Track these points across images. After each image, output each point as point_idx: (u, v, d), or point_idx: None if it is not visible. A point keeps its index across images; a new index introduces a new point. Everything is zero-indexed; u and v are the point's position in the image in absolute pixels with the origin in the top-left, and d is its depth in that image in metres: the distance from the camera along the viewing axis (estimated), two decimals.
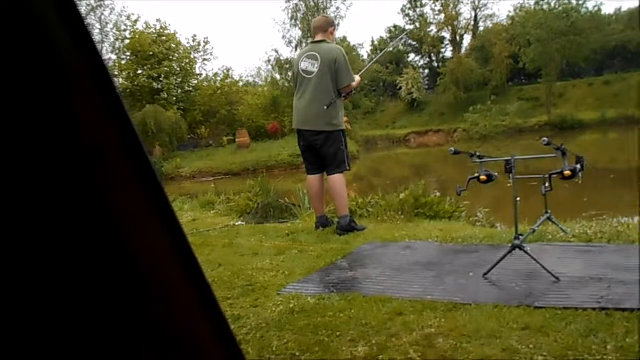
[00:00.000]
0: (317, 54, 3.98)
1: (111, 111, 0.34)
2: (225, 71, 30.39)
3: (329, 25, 4.18)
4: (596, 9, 26.97)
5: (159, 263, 0.38)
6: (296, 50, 26.67)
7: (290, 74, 28.72)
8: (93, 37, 0.34)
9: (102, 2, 26.57)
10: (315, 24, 4.27)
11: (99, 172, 0.34)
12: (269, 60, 29.59)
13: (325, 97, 3.92)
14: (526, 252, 2.49)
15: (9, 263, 0.30)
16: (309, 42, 4.90)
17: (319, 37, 4.11)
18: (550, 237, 3.24)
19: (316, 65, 3.95)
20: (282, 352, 1.88)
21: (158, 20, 38.70)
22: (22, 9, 0.30)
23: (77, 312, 0.33)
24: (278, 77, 28.45)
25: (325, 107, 3.89)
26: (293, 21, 27.50)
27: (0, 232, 0.29)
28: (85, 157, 0.33)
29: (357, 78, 4.17)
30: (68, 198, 0.32)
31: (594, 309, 1.98)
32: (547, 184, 2.99)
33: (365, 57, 37.31)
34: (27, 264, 0.30)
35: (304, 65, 4.02)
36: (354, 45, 34.18)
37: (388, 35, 39.21)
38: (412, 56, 38.87)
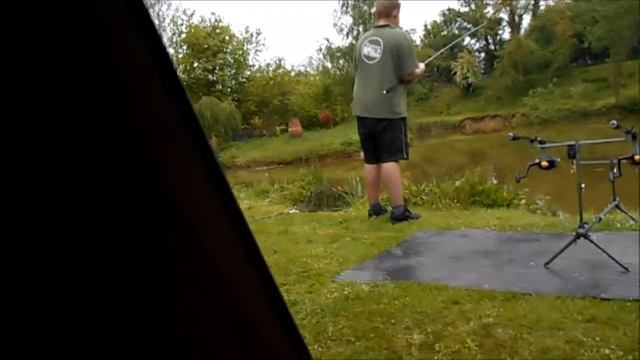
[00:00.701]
0: (379, 39, 3.85)
1: (176, 104, 0.35)
2: (277, 61, 30.84)
3: (393, 8, 3.96)
4: None
5: (224, 248, 0.40)
6: (347, 37, 26.48)
7: (341, 61, 28.40)
8: (158, 32, 0.35)
9: None
10: (378, 7, 4.06)
11: (164, 163, 0.35)
12: (320, 49, 29.63)
13: (387, 84, 3.80)
14: (591, 241, 2.37)
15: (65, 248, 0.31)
16: (370, 26, 4.71)
17: (381, 22, 3.95)
18: (618, 225, 3.07)
19: (379, 51, 3.83)
20: (337, 338, 1.91)
21: (212, 14, 39.63)
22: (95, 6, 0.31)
23: (152, 304, 0.35)
24: (329, 65, 28.44)
25: (385, 92, 3.77)
26: (344, 9, 27.28)
27: (72, 213, 0.31)
28: (152, 148, 0.34)
29: (422, 66, 4.02)
30: (134, 189, 0.33)
31: None
32: (615, 170, 2.82)
33: (418, 42, 36.51)
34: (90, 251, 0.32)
35: (366, 50, 3.91)
36: (407, 30, 33.44)
37: (442, 19, 38.10)
38: (467, 39, 37.56)
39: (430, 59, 5.19)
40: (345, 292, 2.40)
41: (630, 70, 25.88)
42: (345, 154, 17.58)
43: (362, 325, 1.98)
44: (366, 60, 3.92)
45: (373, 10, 4.25)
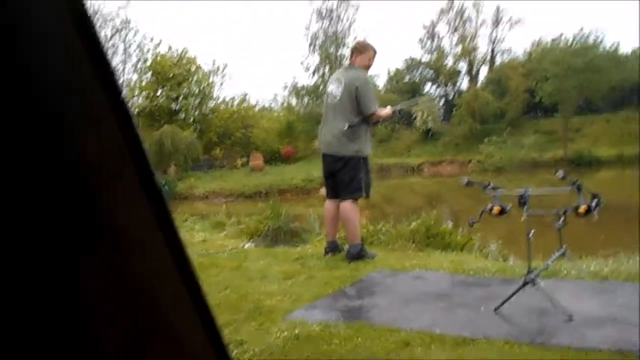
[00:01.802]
0: (342, 78, 3.98)
1: (119, 123, 0.34)
2: (242, 95, 30.95)
3: (358, 52, 4.07)
4: (613, 47, 27.01)
5: (159, 274, 0.38)
6: (313, 76, 27.03)
7: (306, 99, 28.90)
8: (105, 50, 0.34)
9: (126, 25, 27.39)
10: (354, 44, 4.23)
11: (106, 188, 0.34)
12: (286, 86, 30.09)
13: (345, 122, 3.87)
14: (539, 288, 2.43)
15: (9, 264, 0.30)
16: (335, 68, 4.86)
17: (351, 61, 4.09)
18: (564, 273, 3.17)
19: (339, 89, 3.95)
20: None
21: (180, 44, 39.63)
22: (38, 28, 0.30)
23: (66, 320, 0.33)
24: (294, 102, 28.81)
25: (345, 128, 3.84)
26: (311, 48, 27.98)
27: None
28: (93, 172, 0.33)
29: (389, 109, 4.14)
30: (68, 208, 0.32)
31: (609, 350, 1.92)
32: (562, 219, 2.93)
33: (381, 87, 37.66)
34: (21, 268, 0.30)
35: (331, 88, 4.04)
36: (370, 75, 34.55)
37: (404, 66, 39.60)
38: (428, 86, 39.10)
39: (398, 107, 5.16)
40: (296, 332, 2.34)
41: (577, 125, 27.55)
42: (306, 190, 17.61)
43: None
44: (330, 98, 4.03)
45: (340, 52, 4.42)
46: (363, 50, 4.08)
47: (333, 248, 4.13)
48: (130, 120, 0.35)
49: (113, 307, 0.35)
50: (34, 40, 0.30)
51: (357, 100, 3.87)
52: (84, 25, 0.32)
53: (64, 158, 0.31)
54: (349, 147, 3.90)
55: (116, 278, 0.35)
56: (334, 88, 4.00)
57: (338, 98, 3.93)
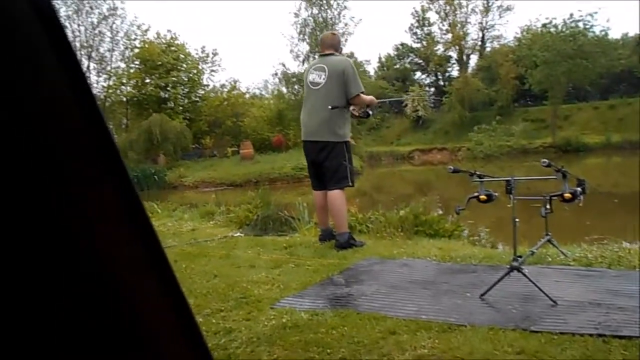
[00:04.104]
0: (324, 66, 4.01)
1: (85, 112, 0.34)
2: (232, 83, 30.67)
3: (337, 42, 4.24)
4: (603, 33, 27.09)
5: (131, 269, 0.37)
6: (303, 64, 26.83)
7: (297, 87, 28.80)
8: (71, 41, 0.34)
9: (114, 11, 26.91)
10: (323, 39, 4.32)
11: (76, 187, 0.33)
12: (276, 74, 29.82)
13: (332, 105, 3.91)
14: (524, 275, 2.45)
15: None
16: (317, 55, 4.91)
17: (326, 51, 4.13)
18: (549, 259, 3.20)
19: (323, 77, 3.97)
20: None
21: (169, 31, 39.12)
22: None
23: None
24: (284, 90, 28.61)
25: (330, 107, 3.88)
26: (301, 36, 27.73)
27: None
28: (58, 158, 0.32)
29: (372, 97, 4.19)
30: (38, 200, 0.31)
31: (591, 335, 1.95)
32: (547, 206, 2.96)
33: (372, 73, 37.53)
34: None
35: (312, 77, 4.05)
36: (361, 62, 34.39)
37: (395, 53, 39.47)
38: (418, 74, 39.03)
39: (384, 100, 5.38)
40: (284, 320, 2.35)
41: (565, 113, 27.73)
42: (296, 178, 17.57)
43: (298, 355, 1.93)
44: (312, 87, 4.04)
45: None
46: (337, 41, 4.25)
47: (327, 235, 4.15)
48: (98, 113, 0.34)
49: (85, 308, 0.34)
50: None
51: (344, 83, 3.91)
52: (51, 23, 0.32)
53: (29, 153, 0.31)
54: (333, 130, 3.93)
55: (89, 279, 0.34)
56: (315, 76, 4.02)
57: (322, 85, 3.96)
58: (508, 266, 2.52)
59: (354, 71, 4.01)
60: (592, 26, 26.39)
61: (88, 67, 26.44)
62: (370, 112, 4.27)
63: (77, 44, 25.71)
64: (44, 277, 0.32)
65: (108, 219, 0.35)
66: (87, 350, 0.34)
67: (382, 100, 4.65)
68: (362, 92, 4.00)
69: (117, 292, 0.36)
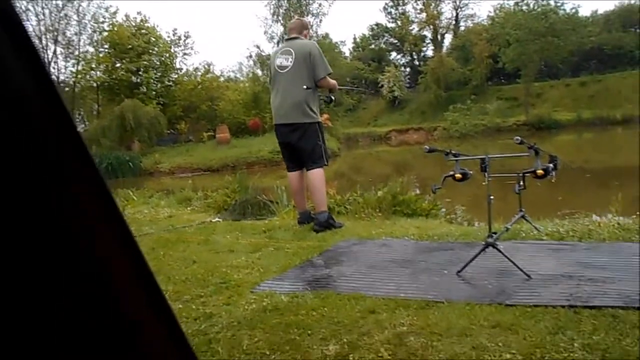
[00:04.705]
0: (291, 49, 4.04)
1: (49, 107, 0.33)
2: (206, 66, 30.14)
3: (303, 28, 4.27)
4: (573, 10, 27.48)
5: (103, 258, 0.37)
6: (278, 45, 26.50)
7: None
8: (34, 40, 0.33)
9: None
10: (290, 25, 4.38)
11: (51, 185, 0.33)
12: (250, 56, 29.43)
13: (300, 90, 3.95)
14: (499, 250, 2.51)
15: None
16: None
17: (293, 35, 4.18)
18: (523, 235, 3.28)
19: (290, 60, 4.00)
20: (252, 351, 1.86)
21: (138, 13, 38.10)
22: None
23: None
24: (259, 72, 28.29)
25: (305, 87, 3.92)
26: (275, 17, 27.36)
27: None
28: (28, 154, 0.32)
29: (335, 82, 4.24)
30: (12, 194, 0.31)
31: (563, 306, 2.01)
32: (520, 183, 3.02)
33: (347, 54, 37.35)
34: None
35: (279, 61, 4.07)
36: (336, 42, 34.20)
37: (370, 33, 39.31)
38: (393, 54, 39.03)
39: (347, 88, 5.53)
40: (264, 304, 2.36)
41: (538, 90, 28.19)
42: (274, 162, 17.46)
43: (279, 337, 1.95)
44: (279, 70, 4.05)
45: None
46: (304, 28, 4.27)
47: (306, 218, 4.17)
48: (59, 100, 0.33)
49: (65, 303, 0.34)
50: None
51: (312, 66, 3.95)
52: (8, 18, 0.31)
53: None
54: (305, 112, 3.96)
55: (65, 270, 0.34)
56: (282, 60, 4.04)
57: (290, 68, 3.98)
58: (484, 243, 2.57)
59: (320, 53, 4.05)
60: (562, 4, 26.75)
61: (55, 51, 25.61)
62: (333, 98, 4.34)
63: (42, 28, 24.84)
64: (18, 276, 0.32)
65: (81, 214, 0.35)
66: (66, 346, 0.34)
67: (343, 87, 4.82)
68: (329, 74, 4.06)
69: (92, 285, 0.35)
